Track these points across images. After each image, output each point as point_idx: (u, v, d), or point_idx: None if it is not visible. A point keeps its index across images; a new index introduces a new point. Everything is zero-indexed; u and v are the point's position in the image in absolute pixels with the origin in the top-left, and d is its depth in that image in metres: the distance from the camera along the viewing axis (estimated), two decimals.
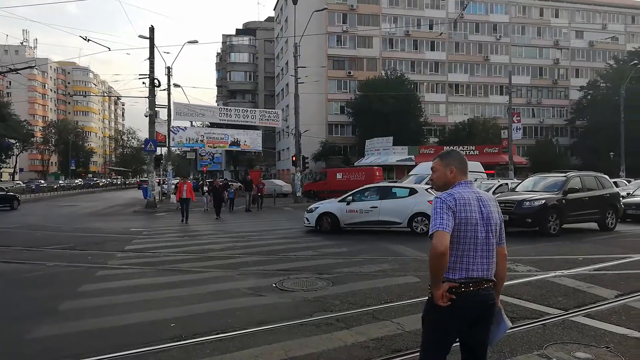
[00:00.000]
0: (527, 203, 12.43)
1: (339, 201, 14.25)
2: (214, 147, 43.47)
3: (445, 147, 43.20)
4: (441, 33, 52.07)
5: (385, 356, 4.23)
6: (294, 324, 5.19)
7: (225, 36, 71.65)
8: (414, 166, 29.35)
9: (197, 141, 40.77)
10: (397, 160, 41.91)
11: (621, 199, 15.25)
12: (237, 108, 43.38)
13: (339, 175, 34.81)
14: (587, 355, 4.18)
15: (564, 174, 13.87)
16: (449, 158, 2.83)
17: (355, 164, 47.64)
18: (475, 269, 2.63)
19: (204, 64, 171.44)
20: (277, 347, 4.48)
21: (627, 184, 24.95)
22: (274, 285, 7.10)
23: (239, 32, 71.91)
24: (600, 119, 50.85)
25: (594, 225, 14.05)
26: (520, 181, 17.12)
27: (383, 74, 51.84)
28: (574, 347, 4.38)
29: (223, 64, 74.43)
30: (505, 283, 7.08)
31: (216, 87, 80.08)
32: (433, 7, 58.88)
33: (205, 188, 26.19)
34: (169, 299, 6.41)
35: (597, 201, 13.56)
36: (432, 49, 58.68)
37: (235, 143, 41.78)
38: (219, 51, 78.22)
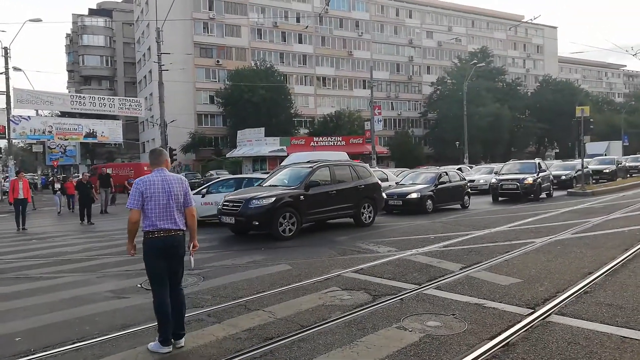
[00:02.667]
0: (256, 202, 10.40)
1: (194, 194, 13.86)
2: (66, 139, 39.20)
3: (314, 138, 44.88)
4: (307, 26, 53.39)
5: (257, 345, 4.26)
6: None
7: (76, 16, 64.65)
8: (286, 157, 29.80)
9: (44, 132, 36.25)
10: (270, 151, 42.23)
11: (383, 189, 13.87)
12: (92, 96, 39.63)
13: (109, 171, 35.08)
14: (437, 323, 4.69)
15: (310, 165, 12.10)
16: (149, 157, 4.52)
17: (227, 155, 46.91)
18: (161, 223, 4.21)
19: (51, 46, 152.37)
20: (142, 350, 4.24)
21: (469, 169, 28.43)
22: (139, 285, 6.68)
23: (92, 12, 65.46)
24: (447, 112, 56.98)
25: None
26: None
27: (253, 64, 51.59)
28: (426, 317, 4.87)
29: (74, 46, 67.17)
30: (369, 264, 7.60)
31: (67, 72, 72.07)
32: (299, 0, 60.07)
33: (58, 185, 23.11)
34: (14, 311, 5.67)
35: (349, 194, 11.93)
36: (300, 42, 59.97)
37: (92, 134, 38.09)
38: (69, 32, 70.39)
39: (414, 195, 15.11)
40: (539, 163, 20.10)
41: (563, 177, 22.69)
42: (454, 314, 4.94)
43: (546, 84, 69.05)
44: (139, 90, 61.09)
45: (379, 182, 13.64)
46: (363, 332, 4.52)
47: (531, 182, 18.09)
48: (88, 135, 38.21)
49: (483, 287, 5.96)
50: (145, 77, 57.79)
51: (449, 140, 53.57)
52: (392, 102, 66.94)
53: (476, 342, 4.18)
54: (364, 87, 61.05)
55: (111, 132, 39.47)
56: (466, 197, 17.11)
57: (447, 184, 16.48)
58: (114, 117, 41.22)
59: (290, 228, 10.64)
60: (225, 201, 11.23)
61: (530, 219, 12.59)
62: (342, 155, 23.78)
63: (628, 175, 28.91)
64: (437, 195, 15.66)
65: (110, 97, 42.59)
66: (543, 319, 4.71)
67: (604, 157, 32.98)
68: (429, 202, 15.32)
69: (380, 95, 62.43)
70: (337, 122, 53.06)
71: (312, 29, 58.47)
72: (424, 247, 8.85)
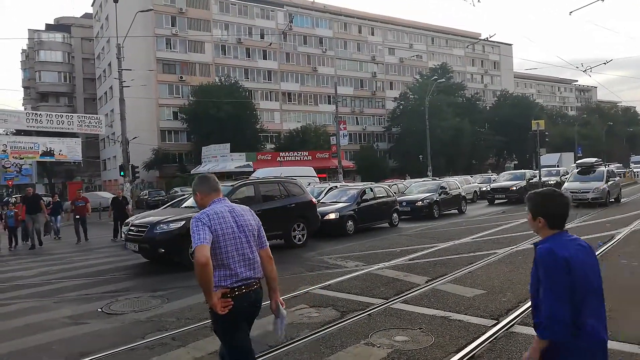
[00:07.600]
0: (162, 226, 9.27)
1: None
2: (21, 158, 37.71)
3: (281, 154, 44.73)
4: (271, 43, 53.67)
5: None
6: (124, 349, 4.78)
7: (32, 31, 62.74)
8: (252, 172, 29.59)
9: None
10: (236, 167, 41.77)
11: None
12: (49, 113, 38.47)
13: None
14: (405, 338, 4.72)
15: (232, 184, 11.29)
16: (195, 186, 3.19)
17: (192, 171, 46.17)
18: (242, 272, 2.94)
19: (5, 62, 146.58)
20: None
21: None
22: (99, 310, 6.44)
23: (49, 27, 63.76)
24: (410, 126, 58.09)
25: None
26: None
27: (217, 80, 51.29)
28: (394, 332, 4.89)
29: (30, 62, 65.03)
30: (337, 279, 7.57)
31: (23, 89, 69.57)
32: (263, 17, 60.41)
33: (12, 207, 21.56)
34: None
35: (278, 213, 11.15)
36: (265, 58, 60.13)
37: (49, 153, 36.87)
38: (25, 48, 68.19)
39: (332, 216, 13.56)
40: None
41: (419, 204, 17.74)
42: (420, 328, 4.98)
43: (503, 99, 71.68)
44: (99, 106, 59.59)
45: (314, 199, 12.76)
46: (332, 349, 4.49)
47: None
48: (45, 154, 36.98)
49: (448, 300, 6.05)
50: (105, 93, 56.47)
51: (413, 154, 54.54)
52: (357, 117, 67.76)
53: (443, 355, 4.22)
54: (329, 103, 61.55)
55: (70, 151, 38.36)
56: (395, 215, 15.76)
57: (372, 202, 15.01)
58: (72, 135, 40.02)
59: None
60: (130, 225, 10.14)
61: (492, 230, 12.92)
62: (309, 170, 23.85)
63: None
64: (360, 214, 14.23)
65: (69, 114, 41.42)
66: (506, 329, 4.81)
67: (515, 171, 28.59)
68: (350, 222, 13.84)
69: (345, 110, 63.05)
70: (303, 137, 53.15)
71: (277, 46, 58.78)
72: (390, 261, 8.91)
